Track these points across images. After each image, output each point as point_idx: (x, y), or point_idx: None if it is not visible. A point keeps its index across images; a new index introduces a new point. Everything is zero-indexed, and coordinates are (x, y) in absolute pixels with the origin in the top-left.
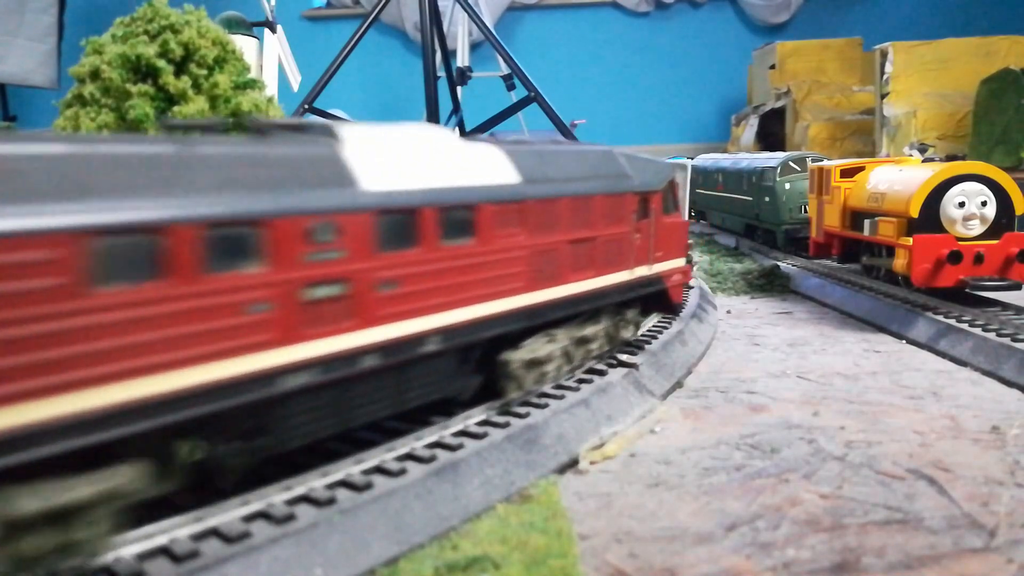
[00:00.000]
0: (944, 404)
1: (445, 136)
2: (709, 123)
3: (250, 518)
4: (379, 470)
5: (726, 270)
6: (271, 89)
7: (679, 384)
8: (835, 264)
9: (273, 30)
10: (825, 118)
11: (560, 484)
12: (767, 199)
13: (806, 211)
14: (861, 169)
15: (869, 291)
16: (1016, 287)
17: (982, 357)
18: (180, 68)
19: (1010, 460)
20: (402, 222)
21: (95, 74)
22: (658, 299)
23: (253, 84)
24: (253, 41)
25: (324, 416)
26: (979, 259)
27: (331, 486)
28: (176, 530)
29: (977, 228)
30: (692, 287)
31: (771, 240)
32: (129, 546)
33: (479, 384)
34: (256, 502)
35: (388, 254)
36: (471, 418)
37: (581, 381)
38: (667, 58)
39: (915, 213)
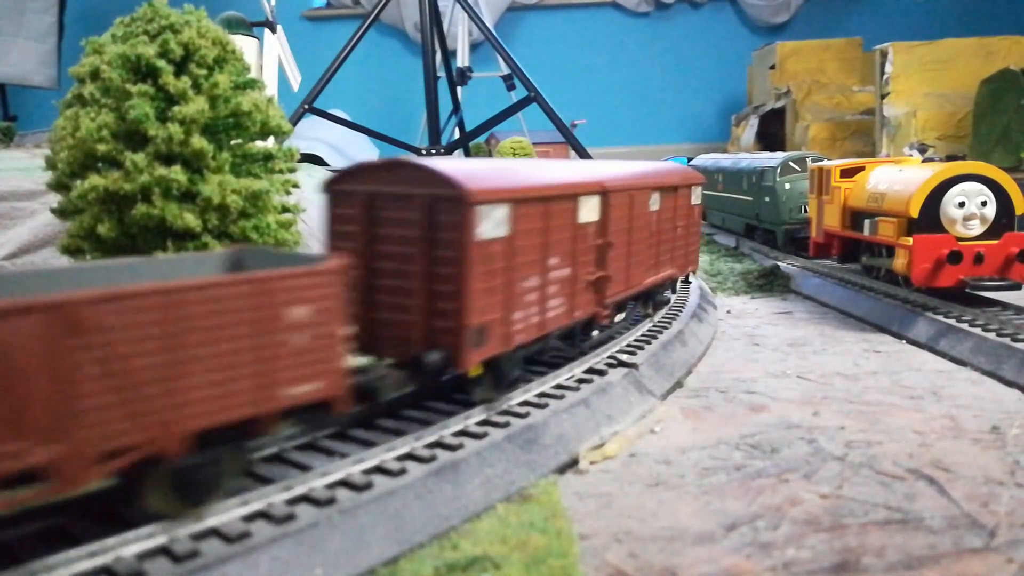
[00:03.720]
0: (944, 404)
1: None
2: (709, 123)
3: (250, 518)
4: (379, 470)
5: (726, 270)
6: (271, 89)
7: (679, 384)
8: (835, 264)
9: (273, 30)
10: (825, 118)
11: (560, 484)
12: (767, 199)
13: (806, 211)
14: (861, 169)
15: (869, 291)
16: (1016, 287)
17: (982, 357)
18: (180, 68)
19: (1010, 460)
20: None
21: (95, 74)
22: None
23: (253, 84)
24: (253, 41)
25: None
26: (979, 259)
27: (331, 486)
28: (176, 530)
29: (977, 228)
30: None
31: (771, 240)
32: (129, 546)
33: None
34: (256, 502)
35: None
36: (471, 418)
37: (581, 381)
38: (667, 58)
39: (915, 213)
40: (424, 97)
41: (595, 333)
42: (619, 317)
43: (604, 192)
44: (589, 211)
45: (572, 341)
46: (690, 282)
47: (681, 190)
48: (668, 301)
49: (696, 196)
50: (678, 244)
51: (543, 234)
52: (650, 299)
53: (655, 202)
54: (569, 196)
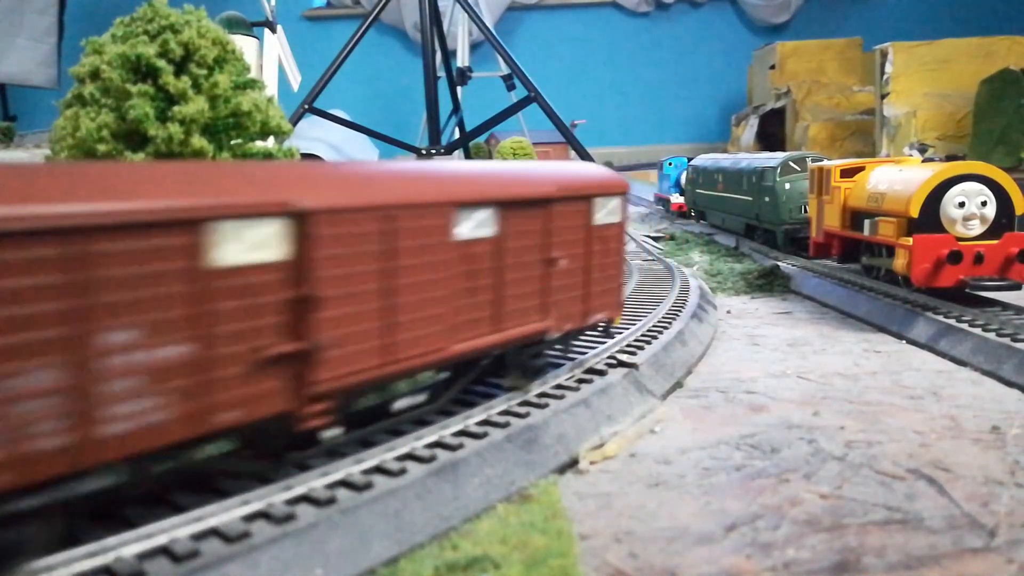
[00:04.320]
0: (944, 404)
1: None
2: (709, 123)
3: (250, 518)
4: (379, 470)
5: (726, 270)
6: (271, 89)
7: (679, 384)
8: (835, 264)
9: (273, 30)
10: (825, 118)
11: (560, 484)
12: (767, 199)
13: (806, 211)
14: (861, 169)
15: (869, 291)
16: (1016, 287)
17: (982, 357)
18: (180, 68)
19: (1010, 460)
20: None
21: (95, 74)
22: None
23: (253, 84)
24: (253, 41)
25: None
26: (979, 259)
27: (331, 486)
28: (176, 530)
29: (977, 228)
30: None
31: (771, 240)
32: (129, 546)
33: None
34: (256, 502)
35: None
36: (471, 418)
37: (581, 381)
38: (667, 58)
39: (915, 213)
40: (424, 97)
41: (329, 434)
42: (404, 403)
43: (296, 215)
44: (252, 247)
45: (248, 463)
46: (611, 336)
47: (562, 204)
48: (542, 368)
49: (611, 212)
50: (562, 285)
51: (70, 294)
52: (509, 367)
53: (482, 224)
54: (170, 224)
